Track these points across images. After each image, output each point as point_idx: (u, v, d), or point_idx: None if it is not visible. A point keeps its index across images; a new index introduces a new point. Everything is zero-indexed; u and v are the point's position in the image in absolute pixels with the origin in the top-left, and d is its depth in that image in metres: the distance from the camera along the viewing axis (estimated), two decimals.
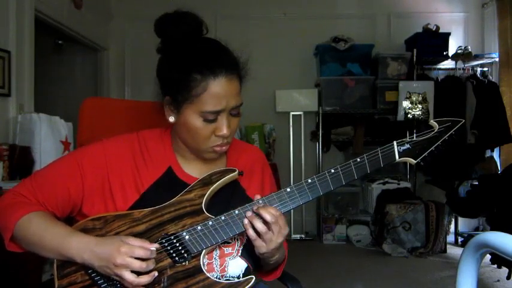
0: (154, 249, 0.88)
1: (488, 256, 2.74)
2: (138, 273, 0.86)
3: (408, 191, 3.89)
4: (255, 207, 0.91)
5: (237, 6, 4.37)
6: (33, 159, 2.44)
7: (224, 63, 0.93)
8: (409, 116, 3.85)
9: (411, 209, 3.58)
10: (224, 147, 0.98)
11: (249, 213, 0.91)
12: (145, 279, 0.86)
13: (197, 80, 0.90)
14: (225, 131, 0.94)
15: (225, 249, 0.98)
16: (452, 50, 4.05)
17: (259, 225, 0.90)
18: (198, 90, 0.91)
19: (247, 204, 0.94)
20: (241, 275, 0.99)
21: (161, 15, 0.97)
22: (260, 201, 0.94)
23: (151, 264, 0.87)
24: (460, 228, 4.13)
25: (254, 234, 0.91)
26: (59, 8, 3.32)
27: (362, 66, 4.06)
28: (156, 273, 0.88)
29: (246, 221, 0.91)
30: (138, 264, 0.85)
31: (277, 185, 1.19)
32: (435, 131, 0.95)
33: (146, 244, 0.88)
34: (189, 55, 0.94)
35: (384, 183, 3.88)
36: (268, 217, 0.89)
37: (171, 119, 0.98)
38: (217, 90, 0.91)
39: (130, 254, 0.84)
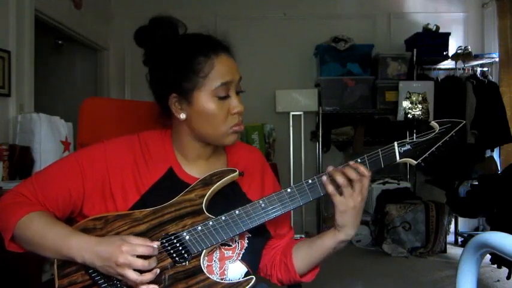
0: (157, 246, 0.88)
1: (488, 256, 2.74)
2: (140, 271, 0.86)
3: (408, 191, 3.89)
4: (340, 167, 0.94)
5: (236, 6, 4.37)
6: (33, 159, 2.44)
7: (219, 43, 0.98)
8: (409, 116, 3.85)
9: (411, 209, 3.58)
10: (241, 126, 0.99)
11: (330, 168, 0.94)
12: (148, 276, 0.86)
13: (202, 61, 0.94)
14: (239, 107, 0.97)
15: (225, 252, 0.98)
16: (452, 50, 4.04)
17: (340, 179, 0.92)
18: (206, 70, 0.94)
19: (247, 205, 0.94)
20: (241, 279, 0.98)
21: (137, 29, 1.01)
22: (261, 202, 0.94)
23: (153, 262, 0.87)
24: (460, 228, 4.13)
25: (333, 190, 0.94)
26: (59, 8, 3.32)
27: (362, 66, 4.06)
28: (158, 270, 0.88)
29: (324, 177, 0.94)
30: (140, 263, 0.84)
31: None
32: (436, 132, 0.95)
33: (148, 242, 0.88)
34: (185, 46, 0.97)
35: (383, 183, 3.88)
36: (353, 175, 0.92)
37: (183, 115, 0.98)
38: (223, 64, 0.96)
39: (132, 253, 0.84)
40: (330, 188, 0.94)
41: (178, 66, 0.95)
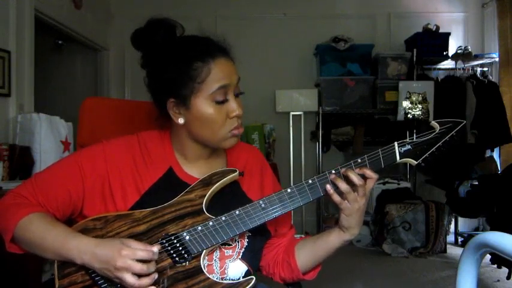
0: (157, 250, 0.88)
1: (488, 256, 2.74)
2: (138, 275, 0.85)
3: (408, 191, 3.89)
4: (343, 170, 0.94)
5: (236, 6, 4.37)
6: (33, 159, 2.44)
7: (217, 46, 0.97)
8: (409, 116, 3.85)
9: (411, 209, 3.58)
10: (241, 129, 0.99)
11: (332, 176, 0.94)
12: (145, 281, 0.86)
13: (199, 67, 0.93)
14: (237, 110, 0.96)
15: (225, 251, 0.98)
16: (452, 50, 4.04)
17: (344, 186, 0.93)
18: (203, 76, 0.93)
19: (247, 205, 0.94)
20: (241, 278, 0.99)
21: (134, 31, 1.00)
22: (261, 202, 0.94)
23: (152, 267, 0.87)
24: (460, 228, 4.13)
25: (339, 198, 0.95)
26: (59, 8, 3.32)
27: (362, 66, 4.06)
28: (156, 275, 0.88)
29: (328, 186, 0.94)
30: (139, 267, 0.84)
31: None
32: (436, 131, 0.95)
33: (148, 246, 0.87)
34: (182, 50, 0.95)
35: (383, 183, 3.88)
36: (356, 180, 0.93)
37: (181, 120, 0.97)
38: (220, 68, 0.94)
39: (131, 257, 0.84)
40: (336, 198, 0.95)
41: (175, 72, 0.94)
